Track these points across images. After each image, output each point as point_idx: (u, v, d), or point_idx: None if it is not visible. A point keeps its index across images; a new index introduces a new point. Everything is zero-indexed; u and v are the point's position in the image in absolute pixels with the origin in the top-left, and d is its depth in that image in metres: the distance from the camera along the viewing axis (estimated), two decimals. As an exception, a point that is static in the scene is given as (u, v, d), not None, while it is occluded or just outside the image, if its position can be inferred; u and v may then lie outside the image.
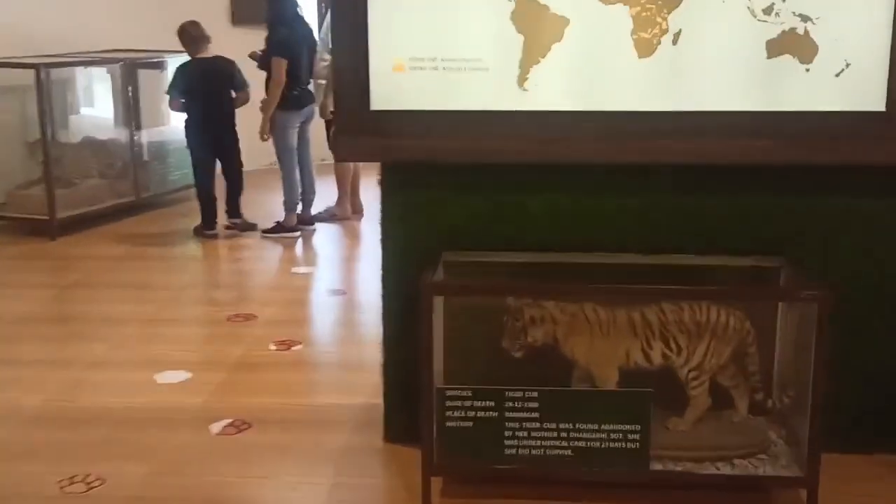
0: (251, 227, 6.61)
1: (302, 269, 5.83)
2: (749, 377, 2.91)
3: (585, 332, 2.84)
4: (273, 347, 4.30)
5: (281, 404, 3.63)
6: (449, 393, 2.74)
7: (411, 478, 2.90)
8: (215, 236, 6.41)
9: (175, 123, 7.63)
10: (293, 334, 4.46)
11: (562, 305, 2.84)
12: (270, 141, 6.37)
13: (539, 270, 2.98)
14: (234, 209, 6.57)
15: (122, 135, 7.25)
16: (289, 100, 6.23)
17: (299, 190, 6.54)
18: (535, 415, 2.74)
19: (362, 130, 2.86)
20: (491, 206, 3.01)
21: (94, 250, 6.13)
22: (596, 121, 2.81)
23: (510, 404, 2.74)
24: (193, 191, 6.66)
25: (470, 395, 2.74)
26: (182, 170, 7.35)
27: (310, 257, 6.25)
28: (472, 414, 2.76)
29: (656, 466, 2.78)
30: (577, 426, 2.75)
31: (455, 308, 2.95)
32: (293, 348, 4.29)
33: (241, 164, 6.54)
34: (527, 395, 2.74)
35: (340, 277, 5.78)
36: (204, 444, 3.30)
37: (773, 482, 2.81)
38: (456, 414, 2.75)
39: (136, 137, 7.22)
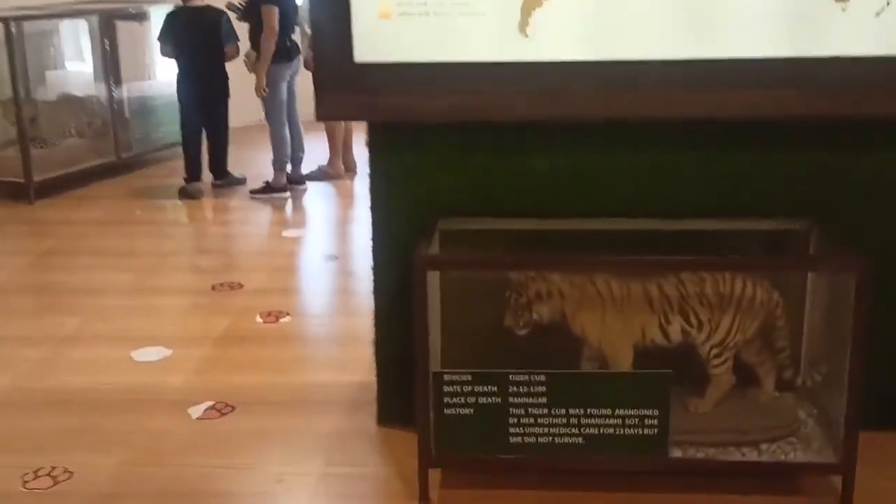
0: (239, 181, 6.36)
1: (292, 233, 5.58)
2: (777, 353, 2.68)
3: (596, 308, 2.60)
4: (260, 320, 4.07)
5: (267, 384, 3.41)
6: (447, 377, 2.51)
7: (408, 466, 2.69)
8: (200, 191, 6.15)
9: (159, 77, 7.35)
10: (282, 305, 4.23)
11: (570, 278, 2.60)
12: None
13: (544, 239, 2.75)
14: (219, 169, 6.32)
15: (101, 91, 6.94)
16: (279, 51, 5.94)
17: (289, 148, 6.27)
18: (543, 400, 2.52)
19: (345, 86, 2.60)
20: (491, 169, 2.76)
21: (72, 214, 5.89)
22: (607, 71, 2.55)
23: (514, 389, 2.52)
24: (179, 149, 6.39)
25: (470, 379, 2.51)
26: (166, 127, 7.08)
27: (300, 219, 6.00)
28: (472, 400, 2.53)
29: (676, 453, 2.57)
30: (588, 412, 2.52)
31: (452, 282, 2.72)
32: (281, 320, 4.06)
33: (226, 120, 6.27)
34: (533, 379, 2.50)
35: (333, 241, 5.54)
36: (183, 430, 3.08)
37: (804, 469, 2.58)
38: (455, 400, 2.53)
39: (115, 93, 6.91)
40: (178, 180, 6.25)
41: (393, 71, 2.57)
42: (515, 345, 2.66)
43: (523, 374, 2.51)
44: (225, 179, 6.34)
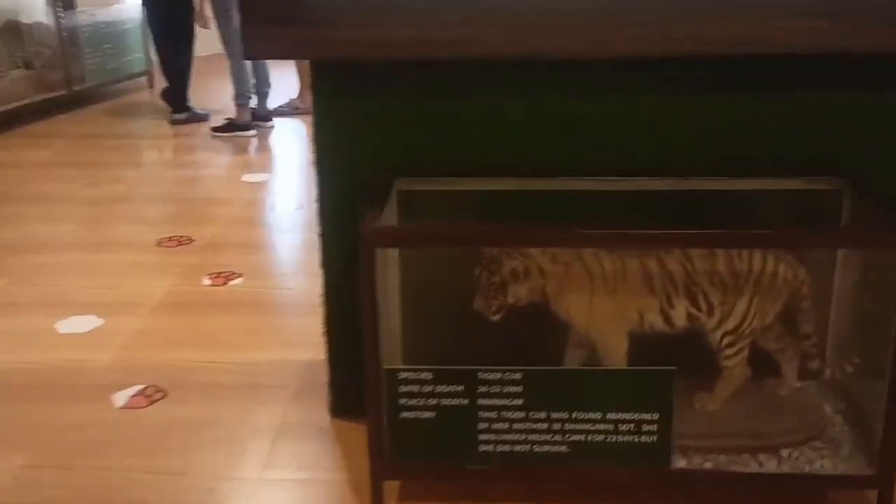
0: (202, 117, 5.91)
1: (254, 177, 5.13)
2: (802, 340, 2.26)
3: (585, 289, 2.18)
4: (207, 282, 3.64)
5: (206, 363, 3.00)
6: (402, 375, 2.10)
7: (362, 470, 2.29)
8: (184, 121, 5.76)
9: (115, 4, 6.84)
10: (234, 264, 3.81)
11: (552, 253, 2.17)
12: (214, 25, 5.58)
13: (523, 202, 2.32)
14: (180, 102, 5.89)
15: (50, 17, 6.41)
16: (234, -28, 5.43)
17: (251, 80, 5.78)
18: (519, 401, 2.11)
19: (278, 16, 2.13)
20: (458, 117, 2.32)
21: (15, 156, 5.44)
22: (599, -2, 2.08)
23: (485, 388, 2.11)
24: (136, 81, 5.92)
25: (430, 377, 2.10)
26: (124, 57, 6.59)
27: (265, 162, 5.54)
28: (433, 402, 2.12)
29: (679, 463, 2.17)
30: (573, 415, 2.11)
31: (412, 258, 2.29)
32: (231, 283, 3.64)
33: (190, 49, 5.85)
34: (507, 377, 2.09)
35: (301, 187, 5.08)
36: (103, 423, 2.67)
37: (835, 482, 2.18)
38: (413, 402, 2.12)
39: (65, 20, 6.37)
40: (136, 116, 5.77)
41: (335, -3, 2.11)
42: (487, 333, 2.24)
43: (495, 370, 2.09)
44: (186, 114, 5.89)
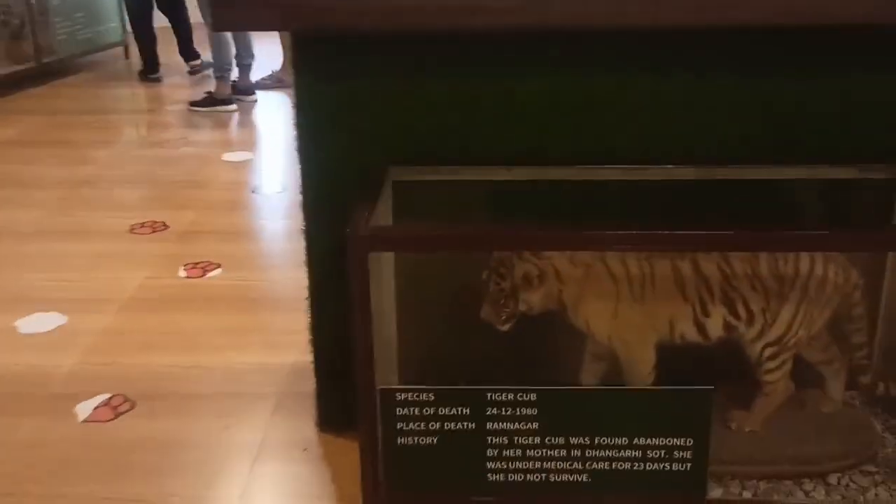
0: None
1: (235, 156, 4.84)
2: (852, 350, 2.01)
3: (608, 295, 1.92)
4: (183, 273, 3.37)
5: (180, 367, 2.74)
6: (400, 396, 1.83)
7: (353, 499, 2.03)
8: (159, 80, 5.49)
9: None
10: (212, 253, 3.53)
11: (571, 253, 1.90)
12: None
13: (536, 194, 2.04)
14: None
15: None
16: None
17: (232, 51, 5.48)
18: (534, 425, 1.86)
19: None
20: (460, 97, 2.05)
21: (-22, 134, 5.12)
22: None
23: (495, 410, 1.85)
24: (111, 52, 5.63)
25: (432, 398, 1.83)
26: (97, 27, 6.27)
27: (247, 139, 5.25)
28: (436, 426, 1.86)
29: (715, 493, 1.92)
30: (596, 440, 1.86)
31: (409, 258, 2.02)
32: (209, 275, 3.37)
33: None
34: (520, 398, 1.83)
35: (286, 168, 4.79)
36: (63, 440, 2.41)
37: (891, 515, 1.93)
38: (412, 426, 1.86)
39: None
40: (111, 90, 5.47)
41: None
42: (496, 346, 1.98)
43: (506, 391, 1.83)
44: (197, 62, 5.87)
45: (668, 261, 1.92)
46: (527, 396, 1.83)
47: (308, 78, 2.07)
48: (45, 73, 6.08)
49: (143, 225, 3.84)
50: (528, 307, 1.94)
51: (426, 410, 1.85)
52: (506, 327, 1.97)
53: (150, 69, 6.29)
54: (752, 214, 2.07)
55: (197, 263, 3.45)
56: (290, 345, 2.79)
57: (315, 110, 2.09)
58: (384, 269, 2.06)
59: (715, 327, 1.95)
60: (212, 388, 2.64)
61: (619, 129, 2.05)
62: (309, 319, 2.32)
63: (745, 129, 2.04)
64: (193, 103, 5.60)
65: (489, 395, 1.84)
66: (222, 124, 5.33)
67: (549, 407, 1.85)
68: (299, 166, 2.17)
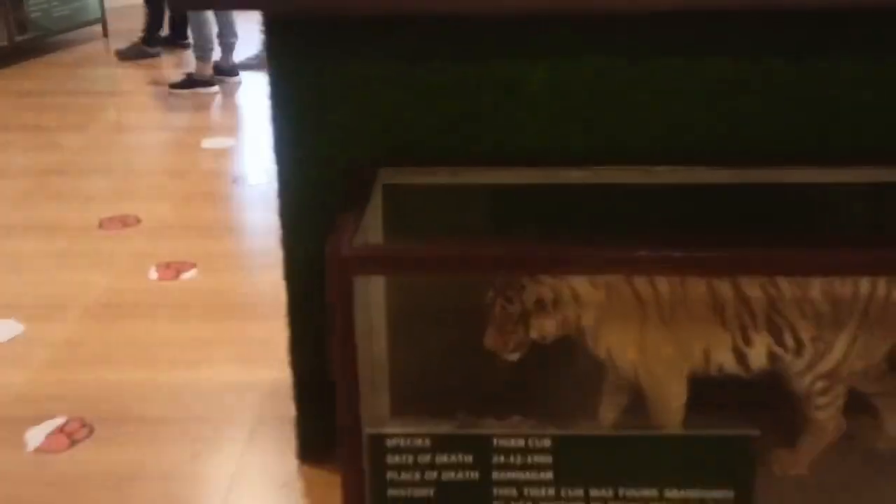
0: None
1: (216, 143, 4.56)
2: (913, 382, 1.76)
3: (634, 320, 1.67)
4: (154, 275, 3.11)
5: (146, 386, 2.49)
6: (391, 442, 1.57)
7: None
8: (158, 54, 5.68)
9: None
10: (188, 251, 3.28)
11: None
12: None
13: (547, 199, 1.78)
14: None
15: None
16: None
17: (214, 29, 5.19)
18: (547, 475, 1.59)
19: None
20: (460, 88, 1.77)
21: (-57, 118, 4.84)
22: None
23: (501, 458, 1.59)
24: (89, 31, 5.35)
25: (429, 444, 1.57)
26: (73, 3, 5.98)
27: (229, 123, 4.97)
28: (433, 475, 1.60)
29: (757, 550, 1.65)
30: (621, 492, 1.60)
31: (402, 281, 1.76)
32: (184, 276, 3.11)
33: None
34: (531, 444, 1.57)
35: (270, 155, 4.50)
36: (9, 474, 2.15)
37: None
38: (405, 476, 1.61)
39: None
40: (86, 71, 5.19)
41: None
42: (503, 380, 1.72)
43: (516, 436, 1.57)
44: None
45: (704, 282, 1.65)
46: (539, 442, 1.58)
47: (284, 65, 1.81)
48: (18, 52, 5.78)
49: (112, 219, 3.57)
50: (541, 335, 1.68)
51: (422, 458, 1.60)
52: (514, 357, 1.71)
53: (151, 38, 5.96)
54: (794, 224, 1.81)
55: (170, 263, 3.19)
56: (270, 359, 2.53)
57: (293, 103, 1.83)
58: (373, 288, 1.80)
59: (757, 357, 1.69)
60: (180, 410, 2.39)
61: (642, 125, 1.79)
62: (288, 338, 2.06)
63: (784, 125, 1.78)
64: (173, 85, 5.32)
65: (495, 440, 1.58)
66: (203, 108, 5.05)
67: (566, 454, 1.59)
68: (276, 167, 1.91)
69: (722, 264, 1.49)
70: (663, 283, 1.66)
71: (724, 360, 1.70)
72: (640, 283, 1.66)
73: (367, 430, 1.57)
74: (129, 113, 5.01)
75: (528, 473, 1.60)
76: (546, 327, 1.68)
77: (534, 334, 1.69)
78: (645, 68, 1.76)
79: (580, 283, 1.66)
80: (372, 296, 1.85)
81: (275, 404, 2.36)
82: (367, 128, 1.81)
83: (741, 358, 1.70)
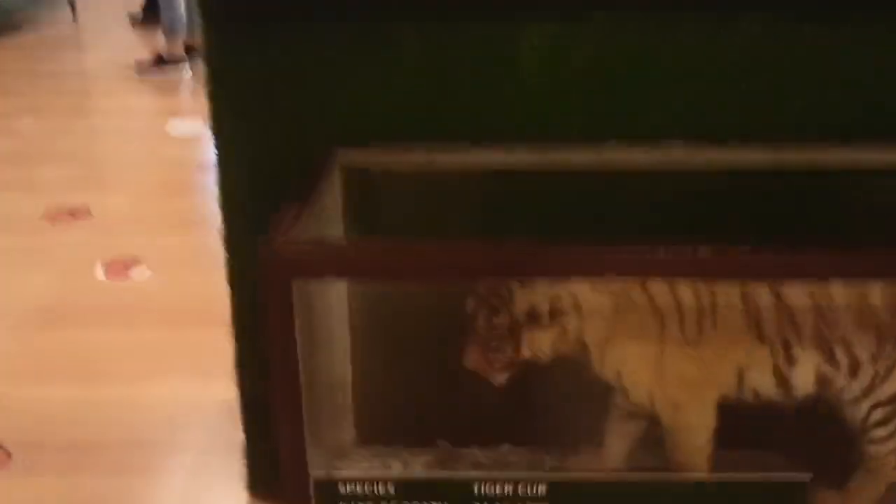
0: None
1: (183, 127, 4.24)
2: None
3: (649, 335, 1.35)
4: (101, 275, 2.80)
5: (79, 404, 2.20)
6: (346, 489, 1.27)
7: None
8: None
9: None
10: (141, 248, 2.98)
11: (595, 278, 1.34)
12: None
13: (538, 186, 1.48)
14: None
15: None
16: None
17: (183, 5, 4.91)
18: (542, 530, 1.28)
19: None
20: (435, 54, 1.46)
21: None
22: None
23: (485, 509, 1.28)
24: (57, 12, 5.05)
25: (394, 491, 1.27)
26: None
27: (199, 107, 4.62)
28: (398, 531, 1.29)
29: None
30: (634, 552, 1.29)
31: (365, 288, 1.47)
32: (132, 274, 2.81)
33: None
34: (522, 491, 1.27)
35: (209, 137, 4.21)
36: None
37: None
38: (364, 531, 1.29)
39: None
40: (51, 53, 4.89)
41: None
42: (490, 399, 1.42)
43: (503, 480, 1.27)
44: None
45: (736, 290, 1.35)
46: (533, 489, 1.27)
47: (218, 30, 1.50)
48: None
49: (60, 212, 3.26)
50: (535, 353, 1.37)
51: (386, 508, 1.29)
52: (501, 379, 1.40)
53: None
54: (833, 213, 1.52)
55: (119, 261, 2.88)
56: (222, 372, 2.20)
57: (233, 71, 1.52)
58: (333, 287, 1.50)
59: (803, 380, 1.39)
60: (114, 433, 2.11)
61: (652, 99, 1.49)
62: (234, 356, 1.76)
63: (822, 98, 1.47)
64: (141, 66, 5.01)
65: (477, 486, 1.27)
66: (171, 90, 4.75)
67: (563, 499, 1.28)
68: (215, 151, 1.62)
69: (757, 266, 1.19)
70: (686, 290, 1.35)
71: (762, 383, 1.40)
72: (657, 288, 1.35)
73: (314, 473, 1.26)
74: (93, 96, 4.73)
75: (518, 528, 1.29)
76: (541, 344, 1.38)
77: (526, 352, 1.38)
78: (656, 33, 1.46)
79: (582, 290, 1.36)
80: (331, 301, 1.55)
81: (225, 427, 2.05)
82: (324, 102, 1.52)
83: (783, 381, 1.40)
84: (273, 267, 1.16)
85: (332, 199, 1.48)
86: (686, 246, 1.16)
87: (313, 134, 1.54)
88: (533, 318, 1.36)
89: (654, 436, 1.49)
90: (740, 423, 1.44)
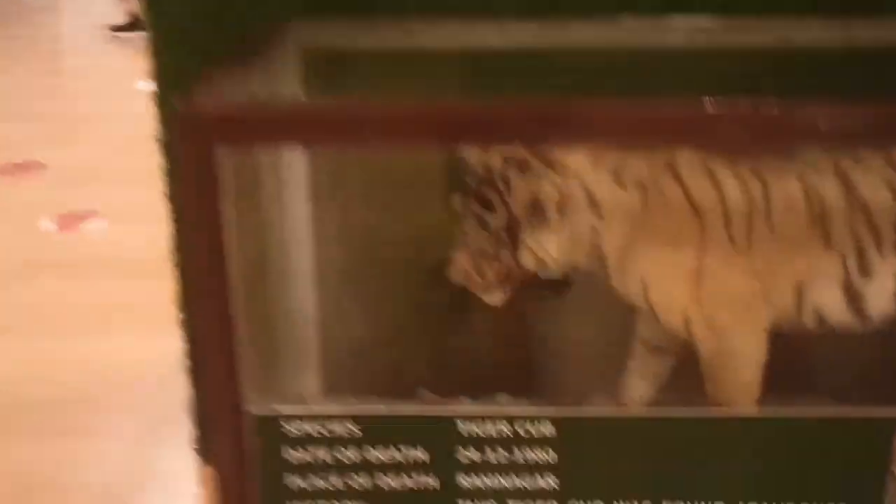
0: None
1: (150, 85, 3.96)
2: None
3: (684, 240, 1.07)
4: (51, 225, 2.56)
5: (21, 362, 1.98)
6: (294, 428, 0.99)
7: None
8: None
9: None
10: (94, 199, 2.77)
11: (616, 164, 1.06)
12: None
13: (521, 67, 1.20)
14: None
15: None
16: None
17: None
18: (547, 481, 1.00)
19: None
20: None
21: None
22: None
23: (472, 454, 1.00)
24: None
25: (359, 432, 0.99)
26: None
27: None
28: (366, 481, 1.01)
29: None
30: (665, 509, 1.02)
31: (331, 172, 1.20)
32: (85, 226, 2.56)
33: None
34: (521, 429, 0.99)
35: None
36: None
37: None
38: (318, 482, 1.01)
39: None
40: (26, 14, 4.65)
41: None
42: (484, 340, 1.16)
43: (495, 417, 0.99)
44: None
45: (794, 177, 1.07)
46: (534, 427, 1.00)
47: None
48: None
49: (17, 165, 3.04)
50: (537, 261, 1.09)
51: (347, 453, 1.01)
52: (496, 298, 1.12)
53: None
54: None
55: (71, 214, 2.63)
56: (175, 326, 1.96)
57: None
58: (291, 196, 1.23)
59: (881, 296, 1.11)
60: (60, 391, 1.87)
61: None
62: (176, 290, 1.50)
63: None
64: (115, 28, 4.78)
65: (461, 425, 1.00)
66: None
67: (576, 445, 1.01)
68: (150, 36, 1.38)
69: (839, 123, 0.89)
70: (732, 180, 1.07)
71: (829, 301, 1.13)
72: (695, 178, 1.07)
73: (253, 409, 0.98)
74: (65, 57, 4.58)
75: (515, 478, 1.02)
76: (546, 248, 1.10)
77: (526, 261, 1.10)
78: None
79: (599, 181, 1.08)
80: (290, 213, 1.28)
81: (179, 384, 1.78)
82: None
83: (855, 298, 1.12)
84: (190, 129, 0.88)
85: (287, 80, 1.21)
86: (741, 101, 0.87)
87: (266, 7, 1.27)
88: (536, 213, 1.08)
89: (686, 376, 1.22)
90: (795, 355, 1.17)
